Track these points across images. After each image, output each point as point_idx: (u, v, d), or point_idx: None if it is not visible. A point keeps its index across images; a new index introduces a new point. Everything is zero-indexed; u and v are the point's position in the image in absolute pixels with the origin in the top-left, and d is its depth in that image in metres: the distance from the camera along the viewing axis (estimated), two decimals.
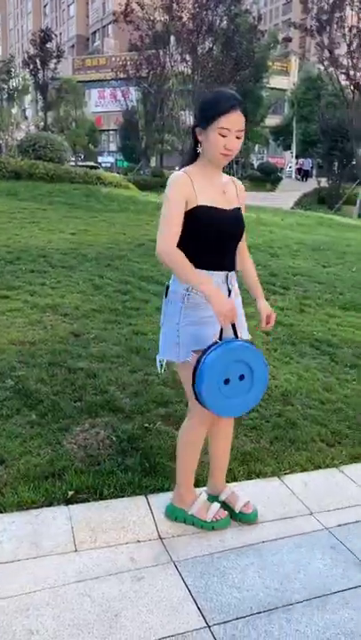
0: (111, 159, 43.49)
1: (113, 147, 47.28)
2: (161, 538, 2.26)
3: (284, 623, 1.84)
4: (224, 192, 2.13)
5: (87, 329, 4.17)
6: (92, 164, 31.27)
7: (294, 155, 38.80)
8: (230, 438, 2.48)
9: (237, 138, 2.00)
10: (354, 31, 17.11)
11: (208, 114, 1.98)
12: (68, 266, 5.74)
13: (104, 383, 3.38)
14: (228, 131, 1.96)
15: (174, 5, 20.05)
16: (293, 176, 37.62)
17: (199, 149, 2.08)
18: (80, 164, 30.35)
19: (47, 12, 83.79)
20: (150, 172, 34.13)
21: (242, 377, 2.06)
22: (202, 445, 2.33)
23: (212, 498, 2.44)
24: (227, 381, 2.03)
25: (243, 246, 2.33)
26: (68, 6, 78.07)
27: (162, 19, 21.39)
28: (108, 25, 53.59)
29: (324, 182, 25.83)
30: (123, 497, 2.52)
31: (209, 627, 1.81)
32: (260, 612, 1.88)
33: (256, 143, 40.55)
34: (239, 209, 2.20)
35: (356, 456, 2.96)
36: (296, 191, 26.89)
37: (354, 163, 21.17)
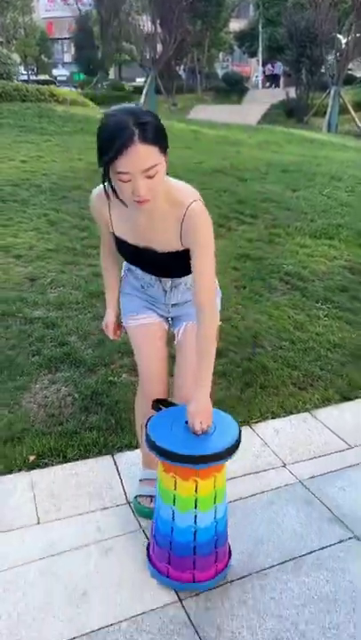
0: (66, 72, 40.56)
1: (68, 57, 43.94)
2: (129, 502, 2.16)
3: (258, 591, 1.78)
4: (137, 228, 1.68)
5: (43, 272, 3.89)
6: (46, 77, 29.16)
7: (261, 62, 36.75)
8: None
9: (149, 177, 1.43)
10: None
11: (101, 155, 1.43)
12: (21, 199, 5.31)
13: (63, 333, 3.17)
14: (128, 174, 1.41)
15: None
16: (260, 86, 35.89)
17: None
18: (33, 78, 28.22)
19: None
20: (109, 84, 32.09)
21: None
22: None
23: None
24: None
25: (197, 301, 1.67)
26: None
27: None
28: None
29: (292, 93, 24.68)
30: (88, 458, 2.40)
31: (180, 601, 1.74)
32: (233, 581, 1.81)
33: (220, 51, 38.19)
34: (154, 253, 1.70)
35: (328, 398, 2.88)
36: (264, 103, 25.71)
37: (323, 70, 20.12)
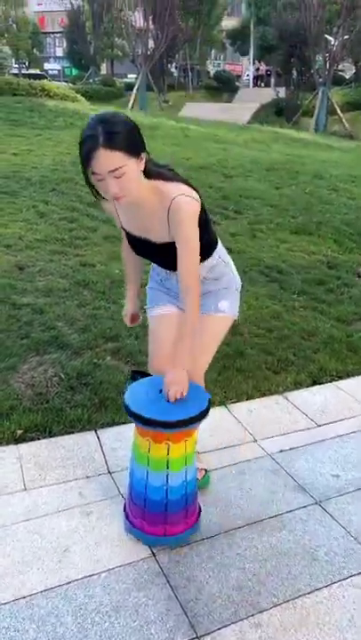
0: (58, 66, 40.49)
1: (59, 52, 43.79)
2: (110, 472, 2.32)
3: (226, 548, 1.95)
4: (135, 218, 1.89)
5: (32, 261, 4.03)
6: (38, 72, 29.09)
7: (252, 61, 36.95)
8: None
9: (117, 178, 1.62)
10: None
11: (81, 161, 1.65)
12: (11, 191, 5.44)
13: (51, 319, 3.33)
14: (100, 175, 1.61)
15: None
16: (251, 85, 36.08)
17: None
18: (25, 72, 28.14)
19: None
20: (101, 80, 32.07)
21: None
22: None
23: None
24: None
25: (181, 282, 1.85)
26: None
27: None
28: None
29: (282, 92, 24.91)
30: (72, 433, 2.55)
31: (154, 555, 1.91)
32: (203, 539, 1.99)
33: (212, 48, 38.30)
34: (170, 246, 1.82)
35: (299, 382, 3.07)
36: (254, 102, 25.90)
37: (313, 71, 20.35)
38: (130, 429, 2.35)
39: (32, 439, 2.49)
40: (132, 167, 1.65)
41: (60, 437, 2.51)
